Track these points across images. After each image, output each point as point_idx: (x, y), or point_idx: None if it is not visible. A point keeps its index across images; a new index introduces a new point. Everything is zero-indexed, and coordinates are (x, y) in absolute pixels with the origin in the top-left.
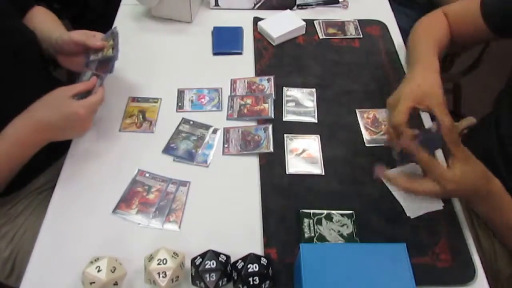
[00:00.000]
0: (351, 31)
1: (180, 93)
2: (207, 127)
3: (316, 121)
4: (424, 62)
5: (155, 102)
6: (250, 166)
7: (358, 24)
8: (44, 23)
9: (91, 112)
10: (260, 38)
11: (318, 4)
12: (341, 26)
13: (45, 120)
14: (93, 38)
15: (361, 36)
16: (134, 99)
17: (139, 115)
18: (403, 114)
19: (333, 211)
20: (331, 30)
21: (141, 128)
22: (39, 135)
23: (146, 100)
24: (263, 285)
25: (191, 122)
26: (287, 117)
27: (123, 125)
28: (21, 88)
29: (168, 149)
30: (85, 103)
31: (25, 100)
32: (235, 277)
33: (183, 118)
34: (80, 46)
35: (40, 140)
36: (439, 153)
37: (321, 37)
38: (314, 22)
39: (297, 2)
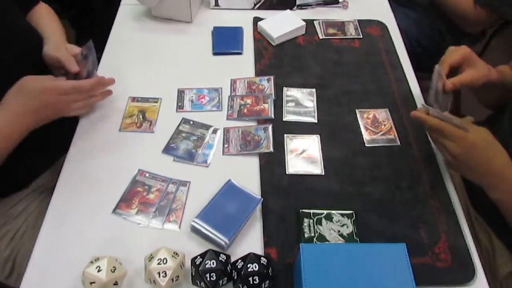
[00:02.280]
0: (351, 31)
1: (180, 93)
2: (207, 127)
3: (316, 121)
4: None
5: (155, 102)
6: (250, 166)
7: (358, 24)
8: (43, 25)
9: (60, 95)
10: (260, 38)
11: (318, 4)
12: (341, 26)
13: (18, 110)
14: (71, 61)
15: (361, 36)
16: (134, 99)
17: (139, 115)
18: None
19: (333, 211)
20: (331, 30)
21: (141, 128)
22: (18, 126)
23: (146, 100)
24: (263, 285)
25: (191, 122)
26: (287, 117)
27: (123, 125)
28: None
29: (168, 149)
30: (52, 88)
31: None
32: (235, 277)
33: (183, 118)
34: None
35: (20, 130)
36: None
37: (321, 37)
38: (314, 22)
39: (297, 2)
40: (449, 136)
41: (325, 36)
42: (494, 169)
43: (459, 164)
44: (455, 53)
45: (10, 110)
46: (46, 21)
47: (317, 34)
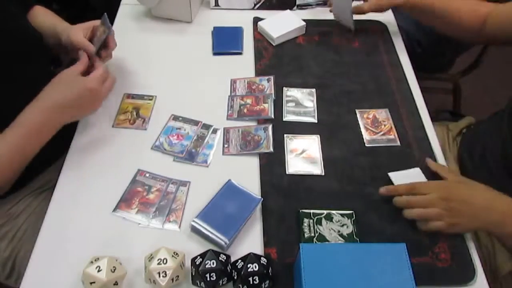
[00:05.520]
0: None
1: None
2: (207, 126)
3: (316, 121)
4: None
5: (150, 99)
6: (250, 166)
7: None
8: (47, 20)
9: (101, 84)
10: (260, 38)
11: (318, 4)
12: (335, 26)
13: (60, 101)
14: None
15: (353, 34)
16: (129, 96)
17: (133, 111)
18: None
19: (333, 211)
20: (326, 31)
21: (134, 125)
22: (56, 118)
23: (141, 97)
24: (263, 285)
25: (180, 118)
26: (287, 117)
27: (117, 121)
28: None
29: (156, 146)
30: (93, 77)
31: (27, 99)
32: (235, 277)
33: (172, 115)
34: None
35: (57, 123)
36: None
37: (317, 38)
38: (311, 23)
39: (297, 2)
40: (426, 189)
41: (321, 37)
42: (495, 204)
43: (452, 211)
44: None
45: (51, 99)
46: (47, 18)
47: (316, 34)
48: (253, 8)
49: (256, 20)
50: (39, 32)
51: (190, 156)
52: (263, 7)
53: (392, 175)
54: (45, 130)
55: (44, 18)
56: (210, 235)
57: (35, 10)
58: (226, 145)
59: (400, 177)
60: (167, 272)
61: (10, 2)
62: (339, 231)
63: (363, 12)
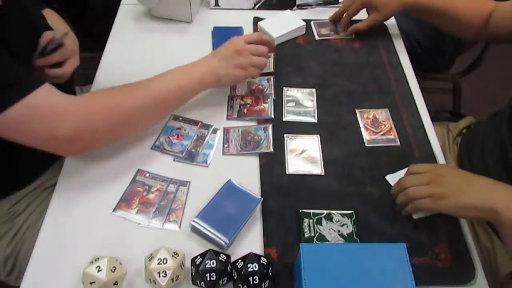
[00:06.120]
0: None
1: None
2: (207, 126)
3: (316, 121)
4: None
5: None
6: (250, 166)
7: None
8: (53, 24)
9: (247, 40)
10: None
11: (318, 4)
12: (333, 26)
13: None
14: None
15: (353, 36)
16: None
17: None
18: None
19: (333, 211)
20: (324, 31)
21: None
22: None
23: None
24: (263, 285)
25: (180, 118)
26: (287, 117)
27: None
28: None
29: (156, 146)
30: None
31: None
32: (235, 277)
33: (172, 115)
34: None
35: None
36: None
37: (316, 38)
38: (311, 23)
39: (297, 2)
40: (420, 167)
41: (319, 37)
42: (491, 188)
43: (440, 183)
44: (354, 5)
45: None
46: (55, 22)
47: (314, 35)
48: (253, 8)
49: (256, 20)
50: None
51: (190, 156)
52: (263, 7)
53: (389, 177)
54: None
55: (52, 21)
56: (210, 235)
57: (45, 13)
58: (226, 145)
59: (398, 178)
60: (167, 272)
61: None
62: (339, 231)
63: (359, 31)
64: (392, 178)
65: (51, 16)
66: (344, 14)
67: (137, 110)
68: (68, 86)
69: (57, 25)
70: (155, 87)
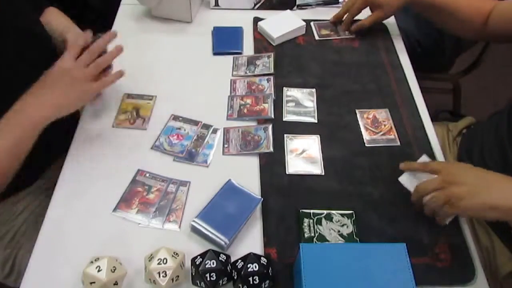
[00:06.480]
0: (344, 31)
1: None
2: (207, 126)
3: (316, 121)
4: None
5: (150, 99)
6: (250, 166)
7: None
8: (59, 21)
9: (79, 66)
10: (260, 38)
11: (318, 4)
12: (333, 26)
13: (32, 89)
14: (80, 36)
15: (353, 35)
16: (129, 96)
17: (133, 111)
18: None
19: (333, 211)
20: (324, 31)
21: (134, 125)
22: (32, 111)
23: (141, 97)
24: (263, 285)
25: (180, 118)
26: (287, 117)
27: (117, 121)
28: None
29: (156, 146)
30: (67, 57)
31: None
32: (235, 277)
33: (172, 115)
34: None
35: (36, 117)
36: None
37: (316, 38)
38: (311, 23)
39: (297, 2)
40: (438, 164)
41: (319, 37)
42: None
43: (453, 183)
44: (357, 4)
45: (31, 93)
46: (59, 19)
47: (314, 35)
48: (253, 8)
49: (256, 20)
50: (48, 34)
51: (190, 156)
52: (263, 7)
53: (402, 179)
54: (25, 127)
55: (56, 20)
56: (210, 235)
57: (48, 11)
58: (226, 145)
59: (410, 179)
60: (167, 272)
61: (23, 2)
62: (339, 231)
63: (364, 27)
64: (405, 179)
65: (56, 13)
66: (346, 15)
67: None
68: None
69: (62, 22)
70: None
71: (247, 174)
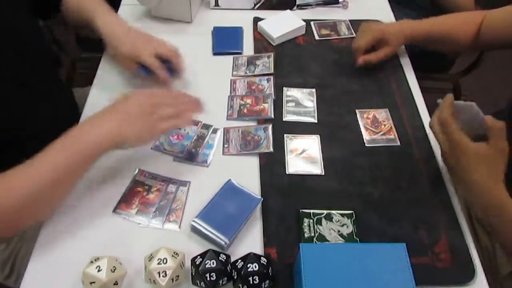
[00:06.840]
0: (344, 31)
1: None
2: (207, 126)
3: (316, 121)
4: None
5: None
6: (250, 166)
7: (349, 24)
8: (84, 3)
9: (153, 103)
10: (260, 38)
11: (318, 4)
12: (333, 26)
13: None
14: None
15: (354, 35)
16: None
17: None
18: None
19: (333, 211)
20: (324, 31)
21: None
22: (84, 133)
23: None
24: (263, 285)
25: None
26: (287, 117)
27: None
28: (24, 87)
29: (156, 146)
30: (144, 91)
31: (28, 99)
32: (235, 277)
33: None
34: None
35: (86, 140)
36: None
37: (316, 38)
38: (311, 23)
39: (297, 2)
40: (448, 134)
41: (319, 37)
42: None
43: (446, 159)
44: (366, 37)
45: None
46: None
47: (314, 35)
48: (253, 8)
49: (256, 20)
50: (38, 29)
51: (190, 156)
52: (263, 7)
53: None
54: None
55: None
56: (210, 235)
57: None
58: (226, 145)
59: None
60: (167, 272)
61: (23, 2)
62: (339, 231)
63: (371, 63)
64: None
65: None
66: (357, 52)
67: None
68: (68, 86)
69: (89, 5)
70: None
71: (247, 174)
